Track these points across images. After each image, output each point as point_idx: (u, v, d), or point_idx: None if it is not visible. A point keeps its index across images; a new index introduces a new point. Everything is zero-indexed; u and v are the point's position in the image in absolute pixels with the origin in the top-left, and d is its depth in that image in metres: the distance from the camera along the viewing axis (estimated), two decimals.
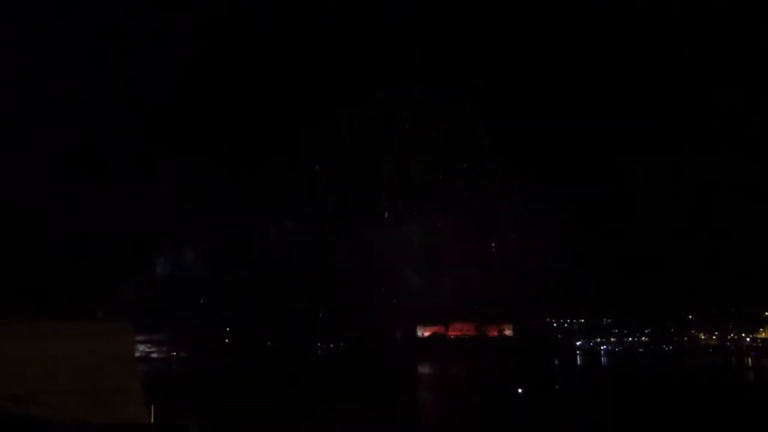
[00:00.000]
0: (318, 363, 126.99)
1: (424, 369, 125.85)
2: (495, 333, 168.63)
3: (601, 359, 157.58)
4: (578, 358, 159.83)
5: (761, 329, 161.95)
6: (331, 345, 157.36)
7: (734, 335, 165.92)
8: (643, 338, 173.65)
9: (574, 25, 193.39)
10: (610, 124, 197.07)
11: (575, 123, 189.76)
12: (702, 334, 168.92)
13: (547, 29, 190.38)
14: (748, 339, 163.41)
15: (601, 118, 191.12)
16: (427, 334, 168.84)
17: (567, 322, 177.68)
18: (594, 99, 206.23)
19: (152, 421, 7.38)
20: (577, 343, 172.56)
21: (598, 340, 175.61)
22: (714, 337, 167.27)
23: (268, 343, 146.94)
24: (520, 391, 77.13)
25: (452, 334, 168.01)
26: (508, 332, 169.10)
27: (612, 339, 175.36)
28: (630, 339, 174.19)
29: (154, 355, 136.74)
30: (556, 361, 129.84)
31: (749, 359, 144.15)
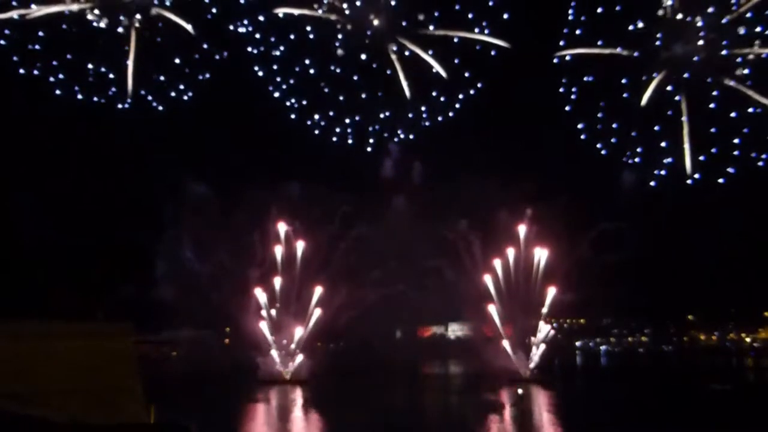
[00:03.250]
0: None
1: (423, 368, 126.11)
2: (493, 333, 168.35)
3: (600, 359, 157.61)
4: (578, 358, 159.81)
5: (761, 329, 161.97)
6: (331, 345, 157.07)
7: (734, 335, 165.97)
8: (643, 338, 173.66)
9: None
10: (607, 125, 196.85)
11: (574, 123, 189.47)
12: (702, 334, 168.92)
13: None
14: (748, 339, 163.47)
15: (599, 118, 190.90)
16: (426, 334, 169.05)
17: (567, 322, 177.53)
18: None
19: (152, 421, 7.39)
20: (577, 344, 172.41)
21: (598, 340, 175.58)
22: (714, 337, 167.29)
23: None
24: (519, 391, 77.26)
25: (451, 334, 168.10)
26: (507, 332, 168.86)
27: (612, 339, 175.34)
28: (630, 339, 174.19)
29: (154, 355, 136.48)
30: (556, 361, 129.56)
31: (749, 359, 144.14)
